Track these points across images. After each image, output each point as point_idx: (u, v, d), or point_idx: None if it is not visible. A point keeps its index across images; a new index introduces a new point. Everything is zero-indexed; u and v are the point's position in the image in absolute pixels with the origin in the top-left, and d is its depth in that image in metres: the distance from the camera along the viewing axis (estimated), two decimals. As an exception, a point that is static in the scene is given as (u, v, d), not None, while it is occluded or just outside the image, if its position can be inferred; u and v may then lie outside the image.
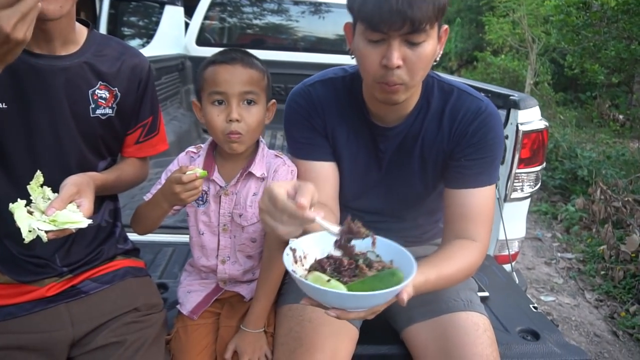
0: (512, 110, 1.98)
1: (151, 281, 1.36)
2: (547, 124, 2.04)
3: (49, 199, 0.97)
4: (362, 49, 1.05)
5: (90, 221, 0.97)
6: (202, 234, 1.31)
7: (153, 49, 3.73)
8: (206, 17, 4.28)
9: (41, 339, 1.12)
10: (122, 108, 1.21)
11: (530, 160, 2.01)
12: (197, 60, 4.01)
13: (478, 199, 1.18)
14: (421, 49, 1.02)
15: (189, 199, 1.12)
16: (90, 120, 1.15)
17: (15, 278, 1.14)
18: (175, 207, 1.22)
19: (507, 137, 1.96)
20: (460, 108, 1.20)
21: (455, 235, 1.18)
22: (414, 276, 0.86)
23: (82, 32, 1.16)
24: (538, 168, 2.06)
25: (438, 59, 1.12)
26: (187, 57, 4.21)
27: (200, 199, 1.28)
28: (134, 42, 4.39)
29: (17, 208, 0.93)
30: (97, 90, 1.15)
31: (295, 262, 0.93)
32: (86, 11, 5.16)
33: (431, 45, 1.03)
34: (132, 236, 1.36)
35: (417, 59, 1.02)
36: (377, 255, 0.96)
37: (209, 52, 1.28)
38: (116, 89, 1.18)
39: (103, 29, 3.77)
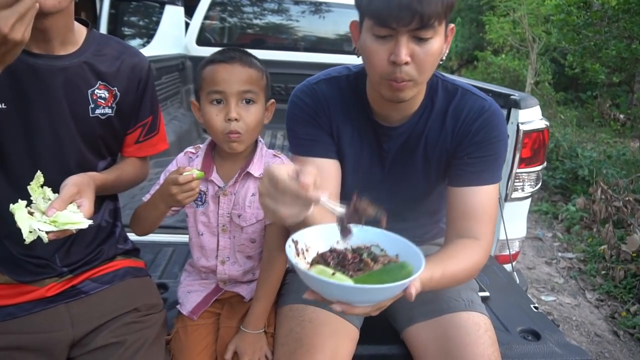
0: (512, 110, 1.98)
1: (151, 281, 1.36)
2: (547, 123, 2.04)
3: (50, 199, 0.98)
4: (369, 45, 1.04)
5: (90, 222, 0.97)
6: (202, 234, 1.31)
7: (153, 49, 3.73)
8: (206, 17, 4.28)
9: (41, 340, 1.12)
10: (122, 108, 1.20)
11: (531, 159, 2.01)
12: (197, 60, 4.00)
13: (480, 197, 1.17)
14: (429, 45, 1.01)
15: (186, 200, 1.11)
16: (90, 120, 1.15)
17: (15, 278, 1.14)
18: (174, 208, 1.22)
19: (507, 136, 1.96)
20: (464, 107, 1.20)
21: (458, 235, 1.16)
22: (422, 270, 0.83)
23: (81, 31, 1.15)
24: (539, 168, 2.06)
25: (444, 58, 1.11)
26: (188, 57, 4.21)
27: (199, 199, 1.28)
28: (135, 42, 4.39)
29: (18, 209, 0.93)
30: (97, 90, 1.15)
31: (297, 255, 0.90)
32: (86, 11, 5.17)
33: (438, 43, 1.03)
34: (132, 236, 1.36)
35: (425, 56, 1.01)
36: (382, 250, 0.94)
37: (209, 52, 1.28)
38: (116, 88, 1.18)
39: (103, 28, 3.77)
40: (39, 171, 1.00)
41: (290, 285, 1.33)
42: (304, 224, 0.93)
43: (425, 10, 0.95)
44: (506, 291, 1.69)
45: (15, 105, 1.06)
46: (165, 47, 3.92)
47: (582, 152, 5.50)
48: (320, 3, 4.40)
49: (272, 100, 1.30)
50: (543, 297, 3.39)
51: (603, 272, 3.66)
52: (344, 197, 1.31)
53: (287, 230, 1.14)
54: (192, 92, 4.18)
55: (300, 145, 1.27)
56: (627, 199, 4.18)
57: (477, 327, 1.18)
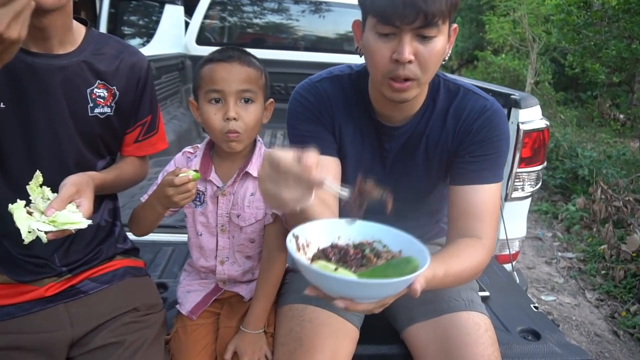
0: (512, 110, 1.98)
1: (151, 281, 1.36)
2: (547, 123, 2.03)
3: (49, 199, 0.97)
4: (372, 44, 1.03)
5: (89, 222, 0.96)
6: (201, 234, 1.30)
7: (153, 48, 3.72)
8: (206, 16, 4.28)
9: (40, 339, 1.12)
10: (121, 107, 1.20)
11: (531, 159, 2.01)
12: (197, 60, 3.96)
13: (482, 195, 1.16)
14: (432, 44, 1.01)
15: (182, 202, 1.11)
16: (89, 119, 1.15)
17: (14, 278, 1.14)
18: (172, 209, 1.22)
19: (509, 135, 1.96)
20: (465, 107, 1.19)
21: (459, 234, 1.15)
22: (427, 267, 0.80)
23: (80, 30, 1.15)
24: (539, 167, 2.05)
25: (447, 58, 1.10)
26: (187, 56, 4.21)
27: (198, 199, 1.27)
28: (134, 41, 4.38)
29: (17, 209, 0.92)
30: (96, 89, 1.15)
31: (298, 250, 0.88)
32: (86, 10, 5.17)
33: (442, 42, 1.02)
34: (132, 236, 1.35)
35: (428, 55, 1.01)
36: (384, 246, 0.92)
37: (209, 51, 1.27)
38: (115, 87, 1.18)
39: (103, 28, 3.76)
40: (37, 171, 1.00)
41: (290, 285, 1.33)
42: (303, 218, 0.92)
43: (429, 9, 0.94)
44: (506, 291, 1.69)
45: (13, 105, 1.06)
46: (165, 47, 3.91)
47: (582, 152, 5.50)
48: (320, 2, 4.40)
49: (271, 99, 1.29)
50: (543, 297, 3.39)
51: (603, 271, 3.66)
52: None
53: (287, 230, 1.14)
54: (192, 91, 4.17)
55: (301, 142, 1.26)
56: (627, 198, 4.18)
57: (477, 327, 1.18)
